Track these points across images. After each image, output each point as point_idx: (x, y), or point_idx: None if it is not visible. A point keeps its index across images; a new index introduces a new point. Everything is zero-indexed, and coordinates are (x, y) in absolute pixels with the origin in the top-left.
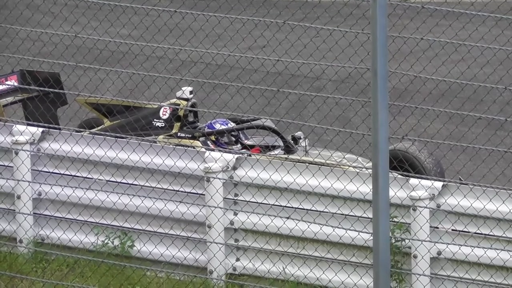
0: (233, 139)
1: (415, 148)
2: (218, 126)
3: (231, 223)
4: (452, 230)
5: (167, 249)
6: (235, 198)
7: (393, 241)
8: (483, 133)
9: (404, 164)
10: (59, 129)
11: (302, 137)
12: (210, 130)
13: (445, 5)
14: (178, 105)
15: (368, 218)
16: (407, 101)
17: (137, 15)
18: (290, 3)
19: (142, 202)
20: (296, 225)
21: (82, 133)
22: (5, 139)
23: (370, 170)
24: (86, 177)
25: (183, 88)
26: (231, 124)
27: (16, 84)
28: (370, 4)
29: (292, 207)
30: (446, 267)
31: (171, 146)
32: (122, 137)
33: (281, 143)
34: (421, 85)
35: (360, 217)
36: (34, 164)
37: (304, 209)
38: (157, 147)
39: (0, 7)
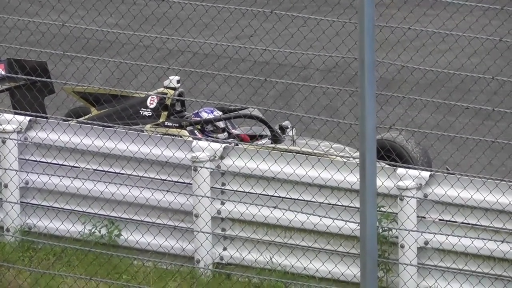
0: (220, 127)
1: (402, 138)
2: (204, 115)
3: (218, 212)
4: (439, 220)
5: (154, 238)
6: (222, 187)
7: (380, 230)
8: (470, 123)
9: (391, 154)
10: (46, 118)
11: (289, 126)
12: (197, 119)
13: None
14: (166, 94)
15: (356, 207)
16: (394, 90)
17: (124, 4)
18: None
19: (129, 191)
20: (283, 214)
21: (69, 122)
22: None
23: (357, 160)
24: (73, 166)
25: (170, 77)
26: (218, 113)
27: (3, 73)
28: None
29: (279, 197)
30: (433, 257)
31: (158, 135)
32: (110, 126)
33: (268, 133)
34: (409, 75)
35: (348, 206)
36: (21, 153)
37: (291, 198)
38: (144, 136)
39: None
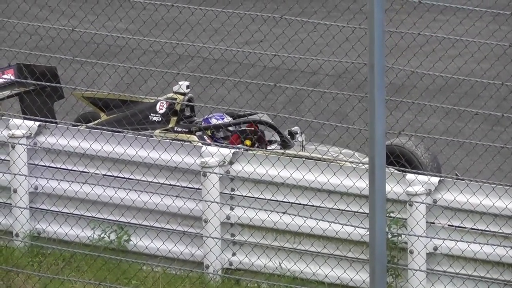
0: (230, 134)
1: (411, 144)
2: (214, 121)
3: (228, 217)
4: (449, 225)
5: (163, 243)
6: (232, 192)
7: (390, 236)
8: (480, 128)
9: (400, 160)
10: (56, 123)
11: (298, 132)
12: (207, 124)
13: (442, 0)
14: (175, 99)
15: (365, 213)
16: (404, 96)
17: (134, 9)
18: None
19: (138, 196)
20: (293, 220)
21: (78, 127)
22: (1, 132)
23: (366, 165)
24: (82, 171)
25: (180, 83)
26: (228, 118)
27: (13, 78)
28: None
29: (289, 202)
30: (442, 262)
31: (167, 140)
32: (119, 131)
33: (278, 138)
34: (418, 80)
35: (357, 212)
36: (30, 158)
37: (300, 204)
38: (154, 141)
39: None
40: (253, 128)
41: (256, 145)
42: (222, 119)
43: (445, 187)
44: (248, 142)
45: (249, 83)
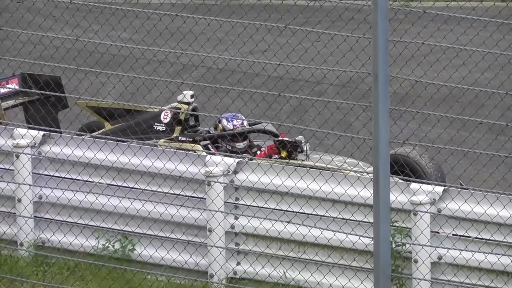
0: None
1: (416, 153)
2: (225, 123)
3: (232, 227)
4: (453, 234)
5: (167, 252)
6: (236, 202)
7: (394, 245)
8: (484, 137)
9: (405, 169)
10: (60, 132)
11: (303, 141)
12: (212, 134)
13: (447, 9)
14: (179, 109)
15: (369, 222)
16: (408, 105)
17: (138, 18)
18: (292, 7)
19: (143, 205)
20: (297, 229)
21: (83, 137)
22: (6, 142)
23: (371, 175)
24: (87, 181)
25: (184, 92)
26: (238, 120)
27: (17, 87)
28: (371, 9)
29: (293, 211)
30: (446, 271)
31: (172, 149)
32: (123, 141)
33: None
34: (422, 89)
35: (361, 221)
36: (35, 168)
37: (305, 213)
38: (158, 151)
39: (1, 11)
40: (290, 139)
41: (292, 155)
42: (233, 120)
43: (450, 196)
44: (284, 154)
45: (253, 92)
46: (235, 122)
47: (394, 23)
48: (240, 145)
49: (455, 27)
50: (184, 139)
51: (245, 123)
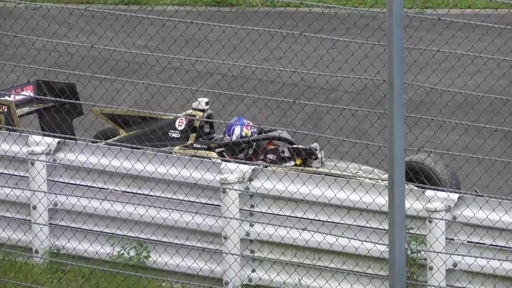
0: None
1: (431, 160)
2: (236, 130)
3: (247, 234)
4: (468, 242)
5: (182, 260)
6: (251, 209)
7: (409, 252)
8: (499, 145)
9: (420, 176)
10: (75, 139)
11: (318, 148)
12: (226, 141)
13: (461, 17)
14: (194, 116)
15: (384, 229)
16: (423, 113)
17: (153, 25)
18: (307, 15)
19: (158, 213)
20: (312, 236)
21: (98, 144)
22: (21, 149)
23: (386, 182)
24: (102, 188)
25: (199, 99)
26: (247, 122)
27: (32, 94)
28: (386, 16)
29: (308, 219)
30: (461, 279)
31: (187, 157)
32: (138, 148)
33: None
34: (437, 97)
35: (376, 228)
36: (50, 175)
37: (320, 220)
38: (173, 158)
39: (16, 17)
40: (305, 146)
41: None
42: (243, 125)
43: (465, 203)
44: (299, 161)
45: (268, 99)
46: (245, 128)
47: (409, 30)
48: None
49: (470, 34)
50: (199, 146)
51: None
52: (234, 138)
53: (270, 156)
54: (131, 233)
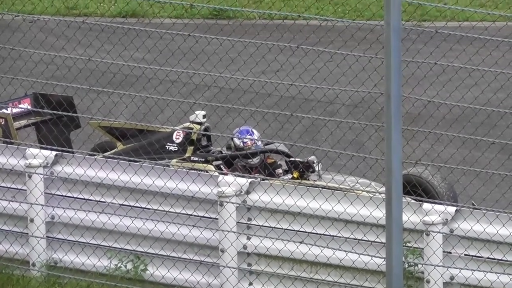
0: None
1: (428, 173)
2: (237, 142)
3: (244, 247)
4: (465, 255)
5: (180, 273)
6: (248, 222)
7: (406, 266)
8: (496, 158)
9: (417, 189)
10: (73, 152)
11: (315, 161)
12: (224, 154)
13: (459, 29)
14: (192, 129)
15: (381, 242)
16: (420, 125)
17: (150, 38)
18: (304, 27)
19: (155, 226)
20: (309, 249)
21: (95, 157)
22: (18, 162)
23: (383, 195)
24: (99, 201)
25: (197, 112)
26: (253, 132)
27: (29, 107)
28: (384, 28)
29: (305, 232)
30: None
31: (184, 170)
32: (136, 161)
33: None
34: (435, 109)
35: (373, 241)
36: (47, 188)
37: (317, 233)
38: (171, 171)
39: (14, 30)
40: (303, 159)
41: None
42: (247, 134)
43: (462, 216)
44: (296, 174)
45: (265, 112)
46: (245, 140)
47: (407, 43)
48: (254, 160)
49: (468, 47)
50: (196, 159)
51: (256, 134)
52: (248, 141)
53: (279, 171)
54: (128, 246)
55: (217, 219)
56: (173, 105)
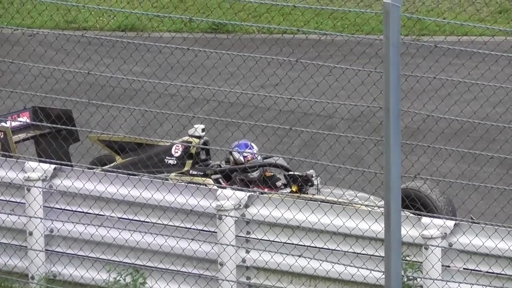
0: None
1: (427, 187)
2: (236, 156)
3: (243, 260)
4: (464, 269)
5: (179, 286)
6: (247, 236)
7: (405, 280)
8: (495, 172)
9: (416, 203)
10: (71, 166)
11: (314, 175)
12: (223, 168)
13: (458, 44)
14: (190, 142)
15: (380, 256)
16: (419, 140)
17: (150, 52)
18: (303, 41)
19: (154, 239)
20: (308, 263)
21: (94, 170)
22: (17, 175)
23: (382, 209)
24: (98, 214)
25: (196, 126)
26: (253, 146)
27: (28, 120)
28: (383, 43)
29: (304, 245)
30: None
31: (183, 183)
32: (134, 175)
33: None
34: (434, 124)
35: (372, 255)
36: (46, 201)
37: (316, 247)
38: (169, 185)
39: (13, 44)
40: (304, 174)
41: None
42: (246, 148)
43: (461, 230)
44: (295, 188)
45: (264, 126)
46: (245, 154)
47: (406, 57)
48: (253, 174)
49: (467, 62)
50: (195, 173)
51: (255, 149)
52: (246, 155)
53: (279, 183)
54: (127, 260)
55: (216, 232)
56: (172, 119)
